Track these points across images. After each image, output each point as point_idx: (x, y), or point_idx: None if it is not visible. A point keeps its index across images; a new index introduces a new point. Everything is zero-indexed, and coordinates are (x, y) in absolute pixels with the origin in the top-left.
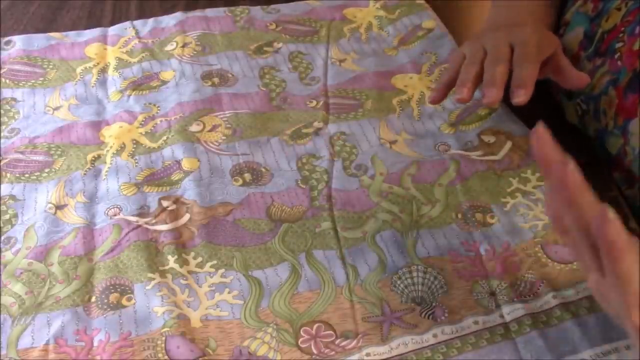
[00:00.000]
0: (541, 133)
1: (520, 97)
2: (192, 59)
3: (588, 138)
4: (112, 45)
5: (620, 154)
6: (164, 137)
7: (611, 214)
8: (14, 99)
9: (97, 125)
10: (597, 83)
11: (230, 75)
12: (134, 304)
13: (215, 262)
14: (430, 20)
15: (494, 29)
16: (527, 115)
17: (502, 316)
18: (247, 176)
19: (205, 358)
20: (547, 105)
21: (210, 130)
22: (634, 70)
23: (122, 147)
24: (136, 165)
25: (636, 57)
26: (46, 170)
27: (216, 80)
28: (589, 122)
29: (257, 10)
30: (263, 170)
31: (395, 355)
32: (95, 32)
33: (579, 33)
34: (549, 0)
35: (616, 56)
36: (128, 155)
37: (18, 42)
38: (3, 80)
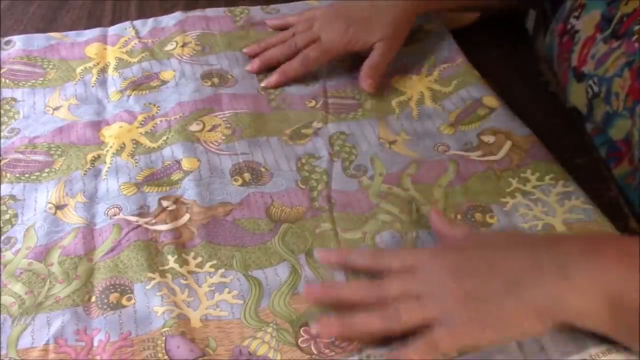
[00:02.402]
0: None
1: (253, 67)
2: (192, 58)
3: (587, 138)
4: (112, 45)
5: (627, 137)
6: (164, 137)
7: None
8: (14, 99)
9: (97, 125)
10: (611, 65)
11: (229, 76)
12: (134, 303)
13: (215, 262)
14: (430, 22)
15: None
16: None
17: None
18: (247, 176)
19: (205, 358)
20: (544, 93)
21: (210, 130)
22: None
23: (122, 147)
24: (136, 165)
25: None
26: (46, 170)
27: (216, 80)
28: (597, 105)
29: (256, 10)
30: (263, 170)
31: None
32: (95, 32)
33: (595, 15)
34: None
35: (634, 38)
36: (128, 155)
37: (18, 42)
38: (3, 80)
